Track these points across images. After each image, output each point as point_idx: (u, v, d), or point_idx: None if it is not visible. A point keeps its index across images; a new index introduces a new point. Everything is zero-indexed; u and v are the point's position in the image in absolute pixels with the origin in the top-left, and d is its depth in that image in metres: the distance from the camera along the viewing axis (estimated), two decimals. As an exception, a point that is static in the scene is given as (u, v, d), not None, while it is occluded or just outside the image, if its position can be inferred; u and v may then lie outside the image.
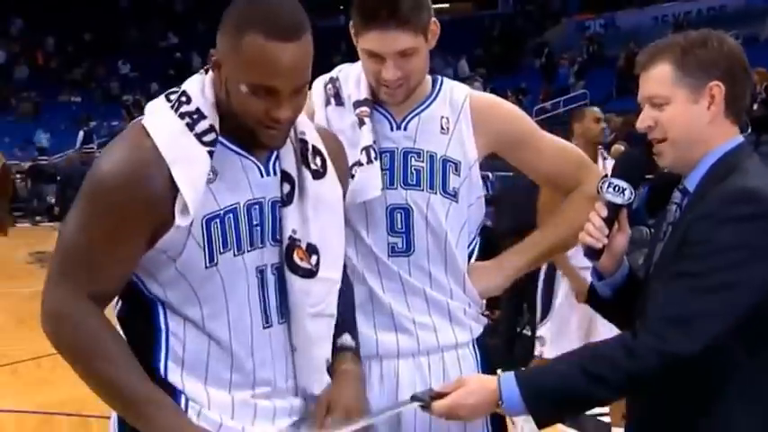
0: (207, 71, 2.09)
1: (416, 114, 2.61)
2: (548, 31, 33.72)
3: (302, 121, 2.14)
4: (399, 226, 2.58)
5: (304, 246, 2.09)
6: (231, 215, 2.05)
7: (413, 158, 2.59)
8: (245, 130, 2.01)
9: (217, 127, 2.02)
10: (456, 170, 2.61)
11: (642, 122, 2.17)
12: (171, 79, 33.98)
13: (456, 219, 2.62)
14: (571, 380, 2.11)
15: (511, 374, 2.18)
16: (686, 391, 2.12)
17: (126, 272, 2.06)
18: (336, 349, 2.20)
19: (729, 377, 2.10)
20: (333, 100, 2.64)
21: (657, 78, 2.15)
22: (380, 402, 2.52)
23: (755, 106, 19.08)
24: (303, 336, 2.15)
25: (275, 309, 2.16)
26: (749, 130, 16.85)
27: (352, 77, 2.64)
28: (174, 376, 2.11)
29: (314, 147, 2.15)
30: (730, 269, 2.04)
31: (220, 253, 2.05)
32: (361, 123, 2.55)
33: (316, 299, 2.13)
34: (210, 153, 2.00)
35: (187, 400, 2.12)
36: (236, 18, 1.96)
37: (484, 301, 2.78)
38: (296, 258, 2.08)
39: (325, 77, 2.70)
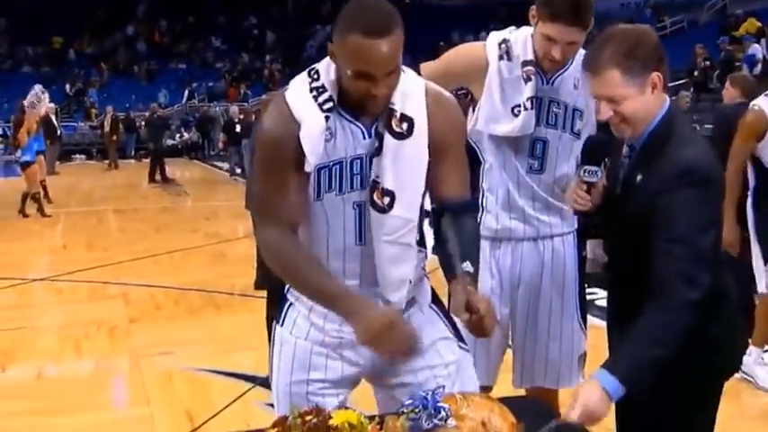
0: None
1: (560, 75, 2.64)
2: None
3: (400, 94, 2.00)
4: (537, 152, 2.67)
5: (381, 189, 2.00)
6: (338, 166, 2.01)
7: (553, 106, 2.65)
8: (355, 101, 1.97)
9: (335, 98, 1.98)
10: (581, 117, 2.67)
11: (603, 115, 2.09)
12: (251, 50, 34.18)
13: (577, 151, 2.60)
14: (651, 353, 1.95)
15: (608, 377, 1.94)
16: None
17: (298, 203, 2.03)
18: (460, 272, 1.98)
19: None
20: (505, 56, 2.64)
21: (609, 83, 2.04)
22: (508, 271, 2.73)
23: (696, 73, 19.10)
24: (378, 256, 2.03)
25: (367, 231, 2.07)
26: (692, 90, 17.01)
27: (520, 41, 2.64)
28: None
29: (402, 114, 2.00)
30: (695, 221, 1.99)
31: (326, 192, 2.02)
32: (528, 80, 2.60)
33: (389, 229, 2.01)
34: (327, 117, 1.97)
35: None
36: (343, 20, 1.89)
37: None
38: (375, 197, 2.00)
39: (498, 36, 2.70)
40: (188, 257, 8.86)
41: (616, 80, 2.03)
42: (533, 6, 2.56)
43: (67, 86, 29.97)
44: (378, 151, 2.00)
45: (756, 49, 18.60)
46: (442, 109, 2.06)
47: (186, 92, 29.86)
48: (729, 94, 5.63)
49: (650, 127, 2.09)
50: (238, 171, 17.61)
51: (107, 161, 21.56)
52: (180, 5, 34.21)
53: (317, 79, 2.01)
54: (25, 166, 11.83)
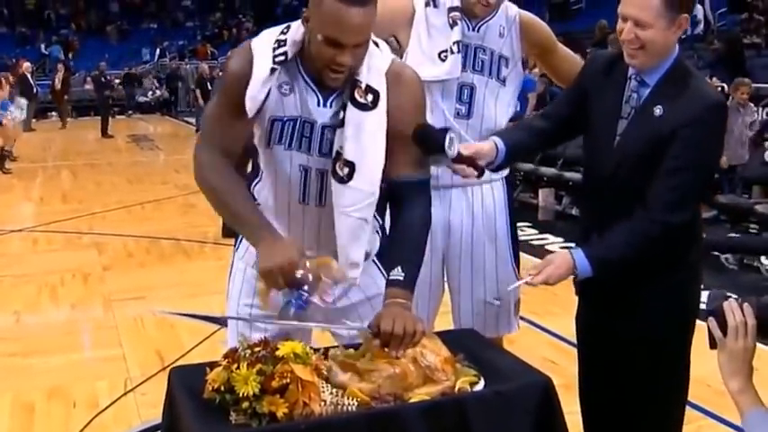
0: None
1: (486, 22, 2.58)
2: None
3: (366, 67, 1.93)
4: (465, 98, 2.58)
5: (342, 160, 1.93)
6: (290, 123, 1.96)
7: (480, 52, 2.59)
8: (317, 71, 1.91)
9: (290, 55, 1.93)
10: (506, 64, 2.61)
11: (627, 35, 2.00)
12: (220, 10, 33.58)
13: (503, 98, 2.63)
14: (626, 252, 2.04)
15: (581, 253, 2.04)
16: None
17: (239, 136, 2.00)
18: (390, 279, 1.91)
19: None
20: (431, 3, 2.57)
21: (646, 7, 1.97)
22: (438, 218, 2.51)
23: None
24: (337, 230, 1.96)
25: (314, 195, 2.01)
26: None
27: None
28: None
29: (368, 86, 1.92)
30: (708, 157, 2.06)
31: (275, 143, 1.99)
32: (454, 24, 2.53)
33: (347, 201, 1.93)
34: (272, 70, 1.92)
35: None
36: None
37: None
38: (337, 167, 1.93)
39: None
40: (159, 208, 8.82)
41: (654, 6, 1.96)
42: None
43: (42, 46, 29.29)
44: (341, 123, 1.94)
45: (698, 10, 18.57)
46: (400, 86, 1.98)
47: (158, 50, 29.25)
48: None
49: (667, 63, 2.05)
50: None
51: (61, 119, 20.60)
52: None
53: (285, 33, 1.96)
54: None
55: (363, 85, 1.93)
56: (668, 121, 2.01)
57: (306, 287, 1.83)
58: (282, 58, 1.92)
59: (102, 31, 31.66)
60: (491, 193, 2.70)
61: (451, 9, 2.55)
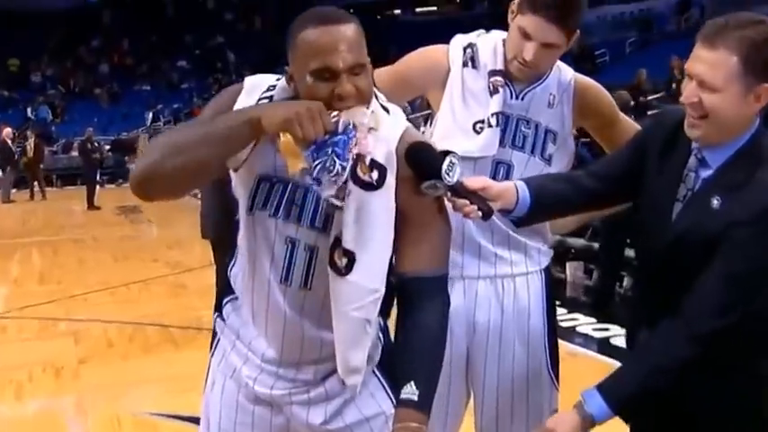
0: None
1: (532, 89, 2.38)
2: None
3: (373, 137, 1.75)
4: (500, 178, 2.32)
5: (341, 248, 1.77)
6: (281, 185, 1.82)
7: (522, 125, 2.38)
8: None
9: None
10: (554, 139, 2.40)
11: (688, 97, 1.82)
12: (217, 71, 34.05)
13: None
14: (650, 381, 1.86)
15: (595, 393, 1.87)
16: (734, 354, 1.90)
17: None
18: (401, 399, 1.72)
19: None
20: (470, 63, 2.38)
21: (718, 65, 1.76)
22: (462, 313, 2.36)
23: (674, 85, 19.11)
24: (335, 332, 1.81)
25: (299, 276, 1.84)
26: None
27: (488, 46, 2.39)
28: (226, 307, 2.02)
29: (373, 161, 1.76)
30: (759, 263, 1.83)
31: (259, 208, 1.84)
32: (495, 92, 2.34)
33: (346, 297, 1.77)
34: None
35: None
36: (292, 28, 1.74)
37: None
38: (335, 256, 1.77)
39: (462, 39, 2.44)
40: (147, 289, 8.68)
41: (729, 66, 1.76)
42: (514, 0, 2.32)
43: (29, 110, 29.68)
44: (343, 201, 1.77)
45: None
46: None
47: (151, 114, 29.54)
48: None
49: (738, 142, 1.86)
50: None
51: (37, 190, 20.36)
52: (143, 24, 34.07)
53: (273, 87, 1.86)
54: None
55: (368, 160, 1.75)
56: (722, 215, 1.83)
57: (342, 132, 1.66)
58: (267, 101, 1.81)
59: (90, 94, 32.21)
60: (525, 285, 2.46)
61: (493, 73, 2.36)
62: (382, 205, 1.77)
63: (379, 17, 37.53)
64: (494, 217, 2.18)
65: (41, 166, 20.93)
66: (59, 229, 14.20)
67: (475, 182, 1.93)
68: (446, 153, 1.80)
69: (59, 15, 33.41)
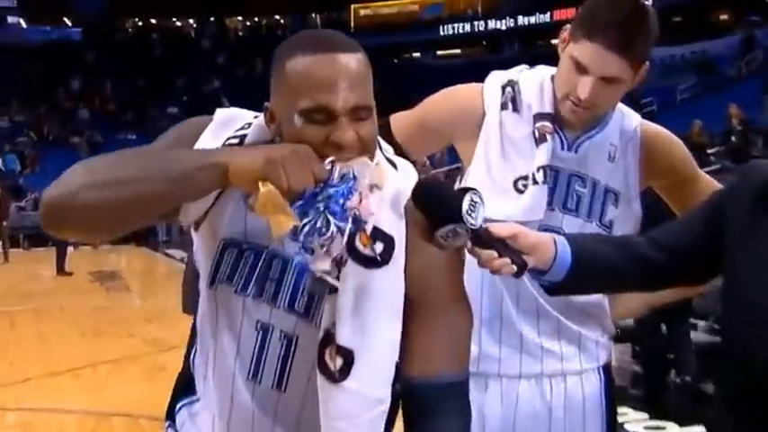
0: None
1: (588, 138, 2.26)
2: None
3: (375, 202, 1.61)
4: None
5: (334, 345, 1.62)
6: (252, 253, 1.70)
7: (576, 183, 2.27)
8: None
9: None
10: (615, 201, 2.29)
11: None
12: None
13: None
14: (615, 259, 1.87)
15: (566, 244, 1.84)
16: None
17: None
18: None
19: None
20: (510, 104, 2.27)
21: None
22: (498, 422, 2.27)
23: (733, 138, 19.12)
24: None
25: (272, 372, 1.71)
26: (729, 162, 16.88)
27: (533, 84, 2.28)
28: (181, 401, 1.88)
29: (376, 230, 1.62)
30: None
31: (223, 281, 1.71)
32: (542, 140, 2.22)
33: (340, 410, 1.61)
34: None
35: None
36: (279, 52, 1.61)
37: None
38: (326, 356, 1.62)
39: (501, 76, 2.33)
40: (118, 370, 8.51)
41: None
42: (566, 27, 2.18)
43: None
44: (332, 288, 1.61)
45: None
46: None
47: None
48: None
49: None
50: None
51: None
52: (129, 65, 34.54)
53: (253, 119, 1.71)
54: None
55: (369, 228, 1.58)
56: None
57: (336, 183, 1.50)
58: (236, 142, 1.66)
59: (67, 143, 32.37)
60: (579, 387, 2.32)
61: (540, 116, 2.23)
62: (388, 287, 1.62)
63: (396, 60, 38.27)
64: (540, 298, 2.19)
65: (5, 223, 21.03)
66: (21, 298, 14.14)
67: (503, 228, 1.77)
68: (465, 190, 1.67)
69: (34, 51, 34.34)
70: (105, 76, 35.17)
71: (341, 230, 1.48)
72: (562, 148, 2.24)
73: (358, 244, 1.58)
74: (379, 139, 1.69)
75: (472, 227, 1.65)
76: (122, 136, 33.57)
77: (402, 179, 1.69)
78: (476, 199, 1.66)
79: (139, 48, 36.40)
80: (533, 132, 2.24)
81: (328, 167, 1.50)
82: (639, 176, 2.31)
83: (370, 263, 1.61)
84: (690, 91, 26.38)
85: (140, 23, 41.47)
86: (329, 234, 1.47)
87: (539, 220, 2.20)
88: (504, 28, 39.96)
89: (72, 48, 35.57)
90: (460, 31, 40.24)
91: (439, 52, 41.13)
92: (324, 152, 1.53)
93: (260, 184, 1.46)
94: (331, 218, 1.47)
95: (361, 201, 1.51)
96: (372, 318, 1.61)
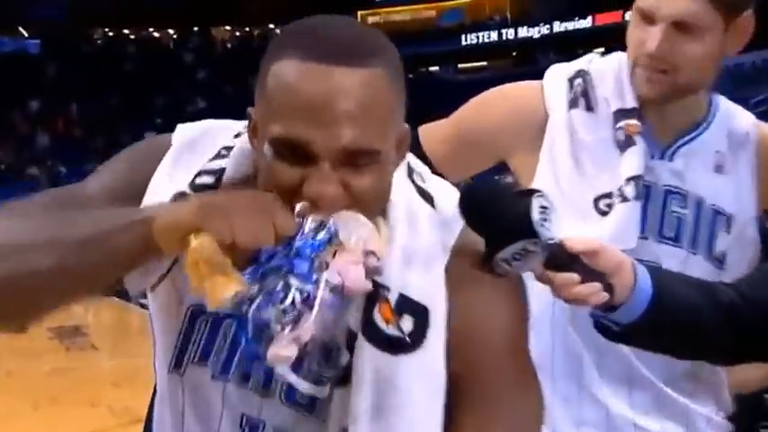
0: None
1: (686, 142, 2.17)
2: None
3: (400, 256, 1.46)
4: None
5: None
6: (233, 324, 1.53)
7: (674, 202, 2.16)
8: None
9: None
10: (727, 226, 2.18)
11: None
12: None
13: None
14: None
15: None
16: None
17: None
18: None
19: None
20: (581, 101, 2.19)
21: None
22: None
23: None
24: None
25: None
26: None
27: (610, 73, 2.19)
28: None
29: (403, 298, 1.44)
30: None
31: (194, 362, 1.57)
32: (629, 143, 2.11)
33: None
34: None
35: None
36: (271, 46, 1.43)
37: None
38: None
39: (565, 69, 2.25)
40: None
41: None
42: None
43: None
44: (344, 375, 1.42)
45: None
46: (480, 286, 1.49)
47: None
48: None
49: None
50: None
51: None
52: (98, 82, 35.89)
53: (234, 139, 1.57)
54: None
55: (394, 297, 1.42)
56: None
57: (307, 234, 1.31)
58: (211, 180, 1.52)
59: (22, 174, 32.95)
60: None
61: (622, 114, 2.14)
62: (423, 377, 1.45)
63: (411, 75, 39.38)
64: (632, 357, 2.12)
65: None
66: (-42, 362, 14.23)
67: (578, 242, 1.64)
68: (527, 193, 1.56)
69: (-15, 65, 35.60)
70: (69, 95, 36.16)
71: (306, 299, 1.27)
72: (652, 156, 2.18)
73: (378, 319, 1.43)
74: (414, 163, 1.58)
75: (549, 241, 1.52)
76: (90, 166, 33.50)
77: (440, 222, 1.51)
78: (545, 203, 1.54)
79: (110, 61, 37.40)
80: (615, 135, 2.17)
81: (298, 220, 1.35)
82: (757, 193, 2.24)
83: (396, 347, 1.44)
84: (764, 103, 26.42)
85: (110, 33, 43.69)
86: (290, 304, 1.26)
87: (629, 250, 1.99)
88: (537, 36, 41.41)
89: (29, 61, 36.40)
90: (485, 40, 42.09)
91: (460, 65, 42.72)
92: (295, 202, 1.38)
93: (191, 236, 1.33)
94: (294, 281, 1.27)
95: (341, 262, 1.33)
96: (398, 419, 1.45)
